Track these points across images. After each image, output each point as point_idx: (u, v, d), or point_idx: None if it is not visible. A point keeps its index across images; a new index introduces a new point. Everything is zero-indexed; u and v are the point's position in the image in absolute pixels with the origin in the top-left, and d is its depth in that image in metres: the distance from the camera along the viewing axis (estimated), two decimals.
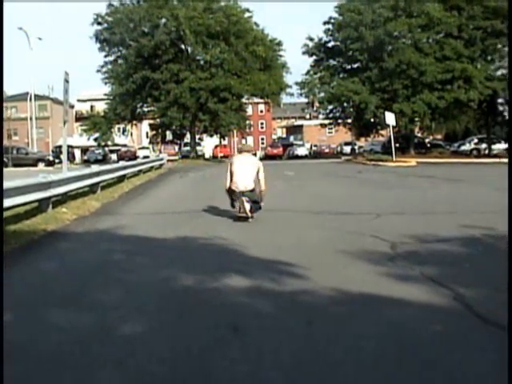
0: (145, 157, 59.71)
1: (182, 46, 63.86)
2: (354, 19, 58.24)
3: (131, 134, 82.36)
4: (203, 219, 14.99)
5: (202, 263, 9.30)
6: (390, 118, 49.80)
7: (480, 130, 68.75)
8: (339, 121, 67.92)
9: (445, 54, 55.96)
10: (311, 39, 64.36)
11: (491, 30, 55.39)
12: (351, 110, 63.27)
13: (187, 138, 76.22)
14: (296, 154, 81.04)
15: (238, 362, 5.10)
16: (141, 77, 60.56)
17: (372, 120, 61.08)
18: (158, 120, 68.54)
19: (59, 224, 14.22)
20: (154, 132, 74.87)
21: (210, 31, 60.13)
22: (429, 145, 71.17)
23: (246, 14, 64.59)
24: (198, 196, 21.79)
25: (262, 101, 79.81)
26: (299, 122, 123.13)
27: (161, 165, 46.37)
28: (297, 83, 65.10)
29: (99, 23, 63.05)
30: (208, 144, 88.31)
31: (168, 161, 53.48)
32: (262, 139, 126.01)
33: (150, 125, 76.47)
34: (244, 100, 69.89)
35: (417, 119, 60.65)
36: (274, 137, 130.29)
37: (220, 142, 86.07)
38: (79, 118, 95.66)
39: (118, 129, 71.50)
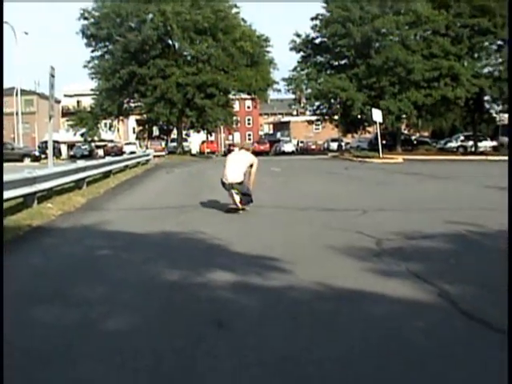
0: (131, 152, 59.55)
1: (170, 42, 63.83)
2: (341, 15, 58.30)
3: (118, 130, 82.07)
4: (190, 215, 14.97)
5: (188, 259, 9.29)
6: (377, 115, 49.91)
7: (466, 128, 69.04)
8: (326, 117, 67.94)
9: (432, 52, 56.13)
10: (299, 35, 64.38)
11: (478, 27, 55.60)
12: (338, 106, 63.38)
13: (174, 134, 76.20)
14: (283, 150, 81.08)
15: (222, 357, 5.09)
16: (127, 72, 60.47)
17: (359, 117, 61.13)
18: (144, 115, 68.54)
19: (44, 219, 14.16)
20: (140, 127, 74.83)
21: (198, 27, 60.07)
22: (415, 142, 71.34)
23: (234, 10, 64.67)
24: (185, 192, 21.78)
25: (249, 97, 79.77)
26: (286, 119, 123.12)
27: (147, 160, 46.27)
28: (284, 79, 65.21)
29: (86, 18, 62.89)
30: (195, 140, 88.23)
31: (154, 156, 53.37)
32: (249, 135, 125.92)
33: (137, 120, 76.46)
34: (231, 96, 69.89)
35: (404, 117, 60.74)
36: (261, 133, 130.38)
37: (207, 137, 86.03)
38: (66, 113, 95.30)
39: (105, 124, 71.30)
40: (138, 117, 73.69)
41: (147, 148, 69.11)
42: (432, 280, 7.49)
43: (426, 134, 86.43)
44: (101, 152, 73.86)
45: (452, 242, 10.46)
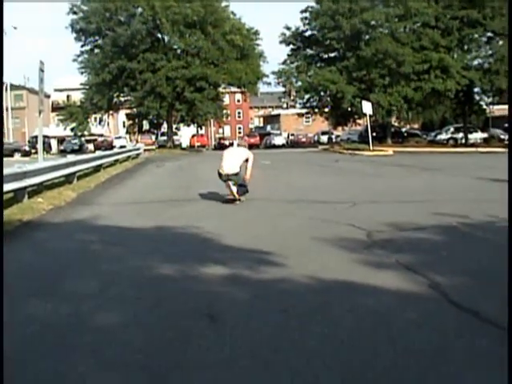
0: (121, 146, 59.43)
1: (159, 36, 63.75)
2: (330, 8, 58.22)
3: (108, 124, 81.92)
4: (181, 208, 14.97)
5: (178, 252, 9.29)
6: (367, 107, 49.93)
7: (457, 120, 69.03)
8: (316, 110, 67.89)
9: (422, 44, 56.11)
10: (288, 28, 64.33)
11: (467, 19, 55.58)
12: (328, 99, 63.37)
13: (164, 128, 76.04)
14: (273, 143, 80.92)
15: (213, 350, 5.10)
16: (117, 66, 60.34)
17: (349, 109, 61.10)
18: (134, 110, 68.49)
19: (35, 214, 14.15)
20: (130, 122, 74.62)
21: (187, 20, 59.93)
22: (406, 134, 71.46)
23: (223, 3, 64.58)
24: (175, 185, 21.77)
25: (238, 90, 79.85)
26: (276, 112, 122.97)
27: (137, 154, 46.23)
28: (274, 72, 65.19)
29: (75, 12, 62.67)
30: (185, 134, 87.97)
31: (145, 150, 53.30)
32: (239, 128, 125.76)
33: (127, 114, 76.18)
34: (221, 89, 69.83)
35: (394, 110, 60.70)
36: (251, 126, 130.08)
37: (197, 131, 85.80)
38: (56, 107, 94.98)
39: (95, 118, 71.21)
40: (128, 111, 73.51)
41: (137, 142, 68.97)
42: (422, 271, 7.52)
43: (416, 126, 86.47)
44: (91, 146, 73.71)
45: (442, 233, 10.49)
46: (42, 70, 21.22)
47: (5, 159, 41.03)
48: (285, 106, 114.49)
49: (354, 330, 5.53)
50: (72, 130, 67.70)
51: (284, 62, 64.96)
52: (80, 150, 68.69)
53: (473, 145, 56.80)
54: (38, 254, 9.70)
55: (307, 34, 64.55)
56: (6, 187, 14.41)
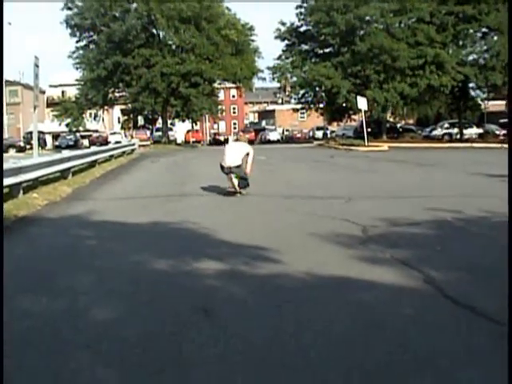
0: (116, 142, 59.29)
1: (154, 31, 63.60)
2: (325, 3, 58.13)
3: (103, 120, 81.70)
4: (176, 204, 14.97)
5: (174, 248, 9.29)
6: (362, 103, 49.92)
7: (452, 115, 69.06)
8: (311, 105, 67.80)
9: (417, 40, 55.89)
10: (283, 24, 64.18)
11: (463, 14, 55.50)
12: (323, 94, 63.24)
13: (159, 123, 75.92)
14: (268, 138, 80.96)
15: (208, 345, 5.10)
16: (112, 62, 60.18)
17: (344, 105, 60.95)
18: (129, 105, 68.30)
19: (30, 209, 14.13)
20: (125, 117, 74.53)
21: (182, 16, 59.74)
22: (401, 130, 71.42)
23: None
24: (171, 181, 21.76)
25: (233, 85, 79.71)
26: (271, 107, 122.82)
27: (132, 150, 46.15)
28: (269, 68, 65.03)
29: (69, 8, 62.44)
30: (180, 129, 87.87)
31: (140, 146, 53.21)
32: (234, 124, 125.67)
33: (122, 110, 76.07)
34: (216, 85, 69.70)
35: (390, 106, 60.61)
36: (246, 122, 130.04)
37: (192, 127, 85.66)
38: (50, 103, 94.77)
39: (90, 114, 70.97)
40: (123, 106, 73.40)
41: (132, 137, 68.87)
42: (418, 266, 7.53)
43: (411, 121, 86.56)
44: (86, 142, 73.52)
45: (437, 228, 10.52)
46: (36, 66, 21.20)
47: None
48: (280, 101, 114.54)
49: (349, 326, 5.54)
50: (67, 125, 67.54)
51: (279, 58, 64.90)
52: (75, 145, 68.47)
53: (468, 140, 56.81)
54: (33, 249, 9.70)
55: (302, 29, 64.42)
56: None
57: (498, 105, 61.80)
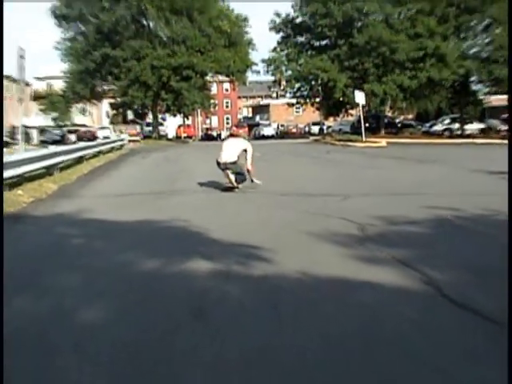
0: (105, 137, 59.21)
1: (144, 22, 63.55)
2: None
3: (91, 114, 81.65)
4: (167, 201, 14.98)
5: (165, 247, 9.28)
6: (360, 97, 49.92)
7: (452, 110, 69.05)
8: (307, 100, 67.83)
9: (417, 32, 55.85)
10: (278, 15, 64.16)
11: (464, 6, 55.47)
12: (319, 88, 63.29)
13: (149, 118, 75.89)
14: (262, 134, 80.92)
15: (202, 347, 5.11)
16: (100, 54, 60.11)
17: (341, 99, 61.03)
18: (118, 99, 68.17)
19: (15, 207, 14.12)
20: (114, 111, 74.51)
21: (173, 6, 59.69)
22: (400, 125, 71.36)
23: None
24: (162, 177, 21.77)
25: (227, 79, 79.69)
26: (266, 101, 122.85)
27: (122, 145, 46.15)
28: (263, 61, 65.01)
29: None
30: (171, 124, 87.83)
31: (129, 141, 53.22)
32: (227, 119, 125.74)
33: (111, 104, 75.99)
34: (208, 78, 69.69)
35: (388, 100, 60.58)
36: (240, 116, 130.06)
37: (183, 121, 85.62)
38: (37, 97, 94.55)
39: (77, 108, 70.89)
40: (112, 100, 73.32)
41: (122, 133, 68.80)
42: (417, 266, 7.54)
43: (410, 116, 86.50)
44: (73, 137, 73.36)
45: (436, 227, 10.53)
46: (22, 57, 21.14)
47: None
48: (274, 95, 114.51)
49: (346, 327, 5.55)
50: (54, 120, 67.43)
51: (274, 50, 64.88)
52: (62, 140, 68.27)
53: (469, 136, 56.80)
54: (18, 247, 9.67)
55: (298, 20, 64.36)
56: None
57: (501, 99, 61.72)
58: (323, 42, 63.79)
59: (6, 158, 16.34)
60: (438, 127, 65.51)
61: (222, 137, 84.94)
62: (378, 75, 56.99)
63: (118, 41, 60.73)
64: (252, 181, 17.13)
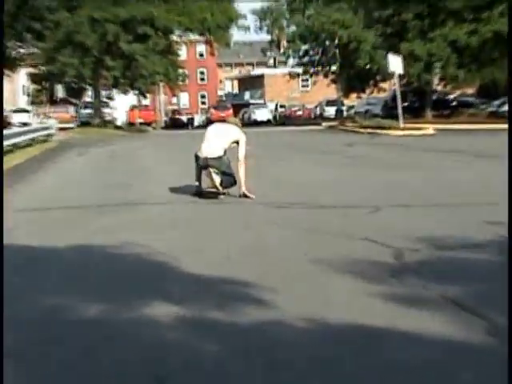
0: (23, 124, 59.26)
1: None
2: None
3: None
4: (115, 217, 15.02)
5: (110, 284, 9.28)
6: (395, 64, 49.86)
7: None
8: (318, 68, 67.88)
9: None
10: None
11: None
12: (336, 51, 63.34)
13: (88, 96, 75.84)
14: (254, 118, 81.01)
15: None
16: (14, 2, 59.84)
17: (368, 67, 61.08)
18: (42, 68, 67.99)
19: None
20: (36, 87, 74.30)
21: None
22: (454, 103, 71.40)
23: None
24: (107, 182, 21.83)
25: (202, 39, 79.77)
26: (258, 71, 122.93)
27: (48, 135, 46.11)
28: (254, 12, 65.05)
29: None
30: (121, 105, 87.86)
31: (59, 129, 53.17)
32: (203, 97, 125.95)
33: (31, 75, 75.92)
34: (175, 38, 69.63)
35: (437, 66, 60.55)
36: (221, 93, 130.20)
37: (139, 101, 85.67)
38: None
39: None
40: (33, 70, 73.21)
41: (48, 118, 68.76)
42: (478, 310, 7.55)
43: (470, 91, 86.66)
44: None
45: (504, 253, 10.53)
46: None
47: None
48: (271, 62, 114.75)
49: None
50: None
51: None
52: None
53: None
54: None
55: None
56: None
57: None
58: None
59: None
60: None
61: (196, 123, 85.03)
62: (421, 30, 56.83)
63: None
64: (244, 195, 16.94)
